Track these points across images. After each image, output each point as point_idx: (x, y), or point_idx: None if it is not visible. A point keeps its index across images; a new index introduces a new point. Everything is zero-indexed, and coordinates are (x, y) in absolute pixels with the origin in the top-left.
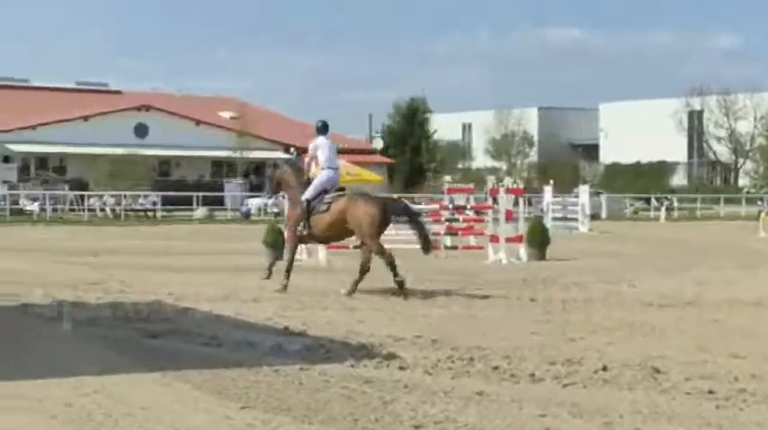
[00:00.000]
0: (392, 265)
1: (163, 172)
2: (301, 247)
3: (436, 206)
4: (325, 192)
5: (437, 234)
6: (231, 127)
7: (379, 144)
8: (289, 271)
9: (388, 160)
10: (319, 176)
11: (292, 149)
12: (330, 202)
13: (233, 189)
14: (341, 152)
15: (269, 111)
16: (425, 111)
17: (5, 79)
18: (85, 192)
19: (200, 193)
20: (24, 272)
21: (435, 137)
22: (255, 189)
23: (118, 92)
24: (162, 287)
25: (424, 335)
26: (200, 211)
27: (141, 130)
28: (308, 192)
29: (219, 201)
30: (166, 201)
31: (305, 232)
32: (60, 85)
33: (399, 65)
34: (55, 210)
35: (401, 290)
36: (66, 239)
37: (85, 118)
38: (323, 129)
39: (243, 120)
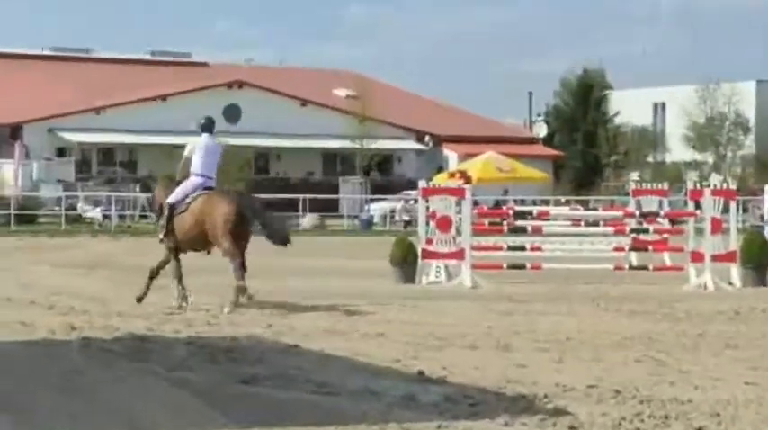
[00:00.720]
0: (240, 269)
1: (259, 167)
2: (441, 268)
3: (618, 213)
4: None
5: (619, 250)
6: (348, 109)
7: (541, 131)
8: (182, 296)
9: (555, 152)
10: (187, 181)
11: (427, 138)
12: (189, 202)
13: (350, 190)
14: (491, 141)
15: (397, 88)
16: (604, 87)
17: (61, 49)
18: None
19: (308, 195)
20: (85, 295)
21: (617, 121)
22: (379, 190)
23: (203, 64)
24: (258, 317)
25: (601, 383)
26: (308, 219)
27: (232, 113)
28: (172, 196)
29: (333, 206)
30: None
31: (171, 242)
32: (130, 56)
33: (569, 25)
34: (122, 217)
35: (234, 299)
36: (135, 254)
37: (162, 98)
38: (206, 127)
39: (363, 99)
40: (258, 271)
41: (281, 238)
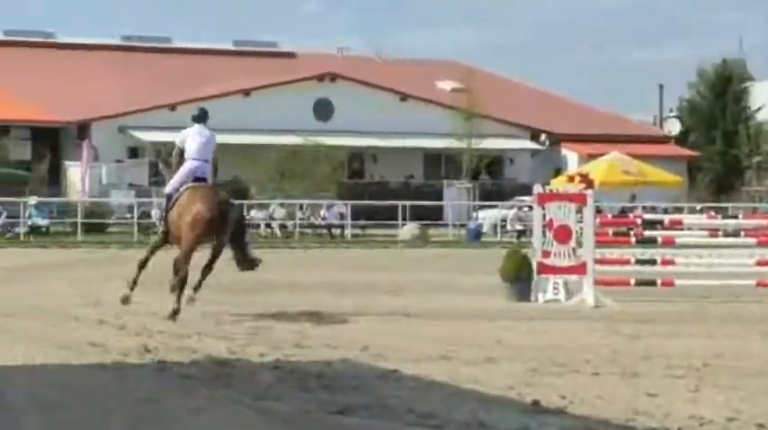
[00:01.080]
0: (180, 285)
1: (354, 170)
2: (559, 284)
3: (762, 221)
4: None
5: (763, 264)
6: (454, 104)
7: (674, 128)
8: (132, 281)
9: (689, 152)
10: (182, 168)
11: (543, 137)
12: (179, 195)
13: (456, 195)
14: (616, 140)
15: (509, 80)
16: (745, 78)
17: (134, 38)
18: (244, 201)
19: (408, 202)
20: (160, 314)
21: (759, 116)
22: (489, 196)
23: (290, 54)
24: (353, 339)
25: (741, 416)
26: (408, 228)
27: (324, 110)
28: (169, 186)
29: (436, 214)
30: (359, 214)
31: (162, 234)
32: (210, 46)
33: (706, 7)
34: None
35: (171, 315)
36: (216, 267)
37: (245, 92)
38: (198, 117)
39: (471, 93)
40: (353, 286)
41: (249, 263)
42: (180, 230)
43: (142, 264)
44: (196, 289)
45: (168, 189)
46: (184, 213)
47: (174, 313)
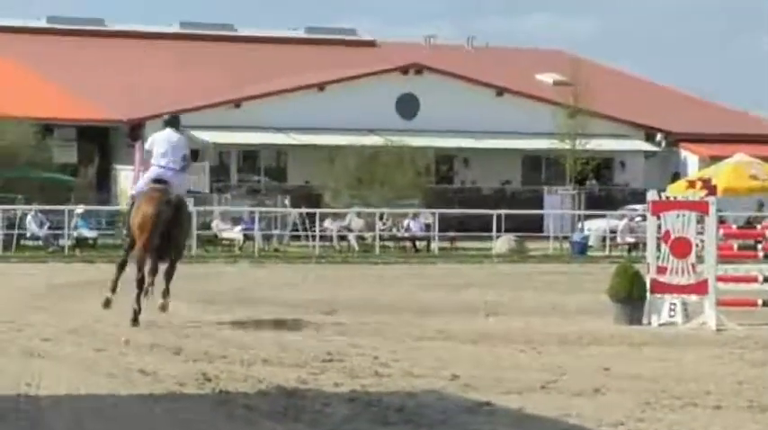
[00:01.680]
0: (138, 286)
1: (442, 175)
2: (677, 304)
3: None
4: None
5: None
6: (557, 99)
7: None
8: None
9: None
10: (146, 173)
11: (660, 137)
12: (137, 200)
13: (558, 203)
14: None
15: (621, 72)
16: None
17: (194, 25)
18: (318, 209)
19: (504, 211)
20: (221, 337)
21: None
22: (596, 203)
23: (371, 43)
24: (440, 366)
25: None
26: (503, 241)
27: (408, 106)
28: (135, 188)
29: (536, 225)
30: (447, 224)
31: (127, 238)
32: (281, 34)
33: None
34: (268, 237)
35: (133, 319)
36: (285, 284)
37: (320, 87)
38: (169, 122)
39: (576, 87)
40: (439, 306)
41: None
42: (135, 233)
43: (120, 267)
44: (164, 294)
45: (134, 191)
46: (135, 216)
47: (135, 315)
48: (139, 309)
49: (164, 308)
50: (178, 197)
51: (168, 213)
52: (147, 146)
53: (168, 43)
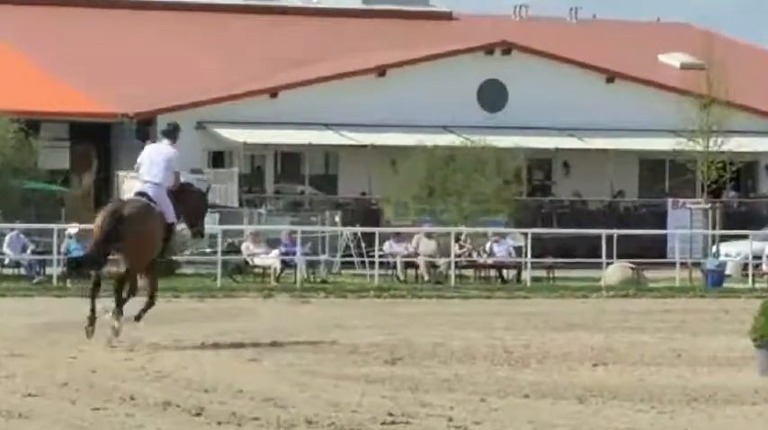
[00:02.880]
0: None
1: (536, 184)
2: None
3: None
4: None
5: None
6: (685, 87)
7: None
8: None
9: None
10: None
11: None
12: None
13: (686, 220)
14: None
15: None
16: None
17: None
18: (377, 229)
19: (616, 231)
20: (253, 393)
21: None
22: (736, 221)
23: (446, 15)
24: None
25: None
26: (616, 270)
27: (493, 95)
28: None
29: (657, 248)
30: (542, 248)
31: None
32: (331, 4)
33: None
34: (312, 265)
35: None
36: (335, 325)
37: (380, 71)
38: (167, 133)
39: (712, 71)
40: (535, 353)
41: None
42: None
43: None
44: (114, 314)
45: None
46: None
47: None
48: (92, 315)
49: (114, 332)
50: (134, 209)
51: (110, 225)
52: (138, 159)
53: (188, 16)
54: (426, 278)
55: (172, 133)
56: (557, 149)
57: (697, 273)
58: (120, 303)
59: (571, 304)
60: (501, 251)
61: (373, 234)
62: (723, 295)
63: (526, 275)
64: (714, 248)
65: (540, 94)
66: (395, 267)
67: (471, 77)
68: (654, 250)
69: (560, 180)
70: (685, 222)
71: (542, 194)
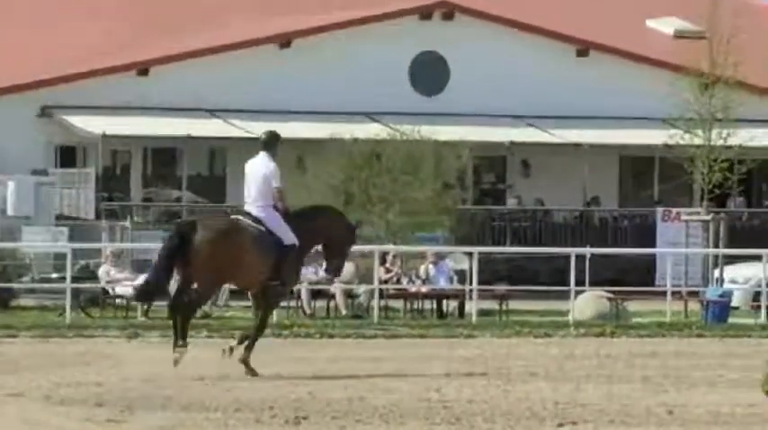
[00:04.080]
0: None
1: (486, 188)
2: None
3: None
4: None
5: None
6: (681, 61)
7: None
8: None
9: None
10: None
11: None
12: None
13: (680, 236)
14: None
15: None
16: None
17: None
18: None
19: (588, 250)
20: None
21: None
22: (745, 238)
23: None
24: None
25: None
26: (588, 300)
27: (430, 73)
28: None
29: (641, 272)
30: (493, 272)
31: None
32: None
33: None
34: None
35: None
36: (221, 375)
37: (284, 42)
38: (265, 144)
39: (714, 41)
40: (470, 410)
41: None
42: None
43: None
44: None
45: None
46: None
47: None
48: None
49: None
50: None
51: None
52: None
53: None
54: (343, 311)
55: (270, 144)
56: (512, 143)
57: (694, 305)
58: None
59: (530, 345)
60: (439, 276)
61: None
62: (727, 334)
63: (471, 308)
64: (716, 273)
65: (492, 72)
66: (299, 297)
67: (402, 50)
68: (638, 275)
69: (517, 183)
70: (679, 239)
71: (494, 202)
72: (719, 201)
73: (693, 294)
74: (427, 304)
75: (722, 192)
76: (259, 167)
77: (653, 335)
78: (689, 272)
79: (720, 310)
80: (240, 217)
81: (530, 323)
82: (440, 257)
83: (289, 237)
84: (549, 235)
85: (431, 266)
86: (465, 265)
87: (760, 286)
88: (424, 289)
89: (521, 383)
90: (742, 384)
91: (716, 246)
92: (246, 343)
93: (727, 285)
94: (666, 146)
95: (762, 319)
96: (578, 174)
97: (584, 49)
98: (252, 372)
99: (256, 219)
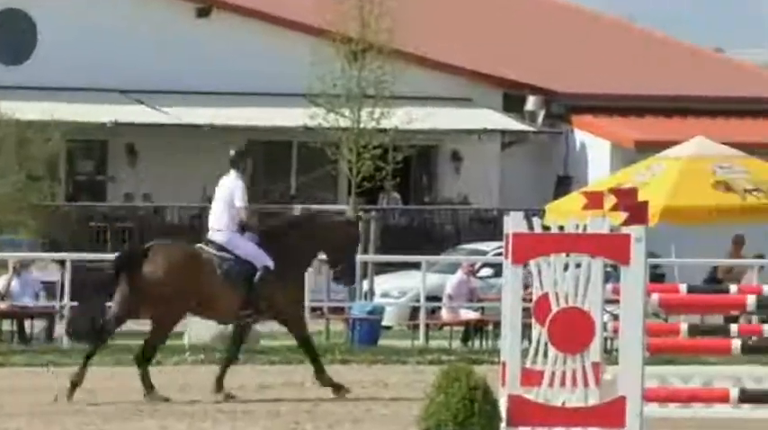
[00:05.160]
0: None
1: (85, 180)
2: None
3: None
4: None
5: None
6: (325, 24)
7: None
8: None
9: None
10: None
11: (533, 102)
12: None
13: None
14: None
15: None
16: None
17: None
18: None
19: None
20: None
21: None
22: (403, 238)
23: None
24: None
25: None
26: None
27: (12, 37)
28: None
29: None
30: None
31: None
32: None
33: None
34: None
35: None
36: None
37: None
38: (233, 162)
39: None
40: None
41: None
42: None
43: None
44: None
45: None
46: None
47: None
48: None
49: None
50: None
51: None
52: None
53: None
54: None
55: (237, 162)
56: (116, 124)
57: (338, 325)
58: None
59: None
60: (23, 290)
61: None
62: (378, 359)
63: (60, 331)
64: (365, 284)
65: (91, 37)
66: None
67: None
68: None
69: (122, 174)
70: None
71: (92, 197)
72: (370, 196)
73: (337, 310)
74: (6, 325)
75: (374, 185)
76: (228, 183)
77: (286, 362)
78: (330, 286)
79: (369, 330)
80: (203, 245)
81: (131, 348)
82: (23, 266)
83: (261, 261)
84: (160, 238)
85: (14, 278)
86: (55, 277)
87: (418, 301)
88: (2, 306)
89: (120, 421)
90: (394, 421)
91: (365, 251)
92: (315, 367)
93: (378, 300)
94: (306, 128)
95: (420, 341)
96: (197, 163)
97: (205, 6)
98: (337, 390)
99: (220, 247)
